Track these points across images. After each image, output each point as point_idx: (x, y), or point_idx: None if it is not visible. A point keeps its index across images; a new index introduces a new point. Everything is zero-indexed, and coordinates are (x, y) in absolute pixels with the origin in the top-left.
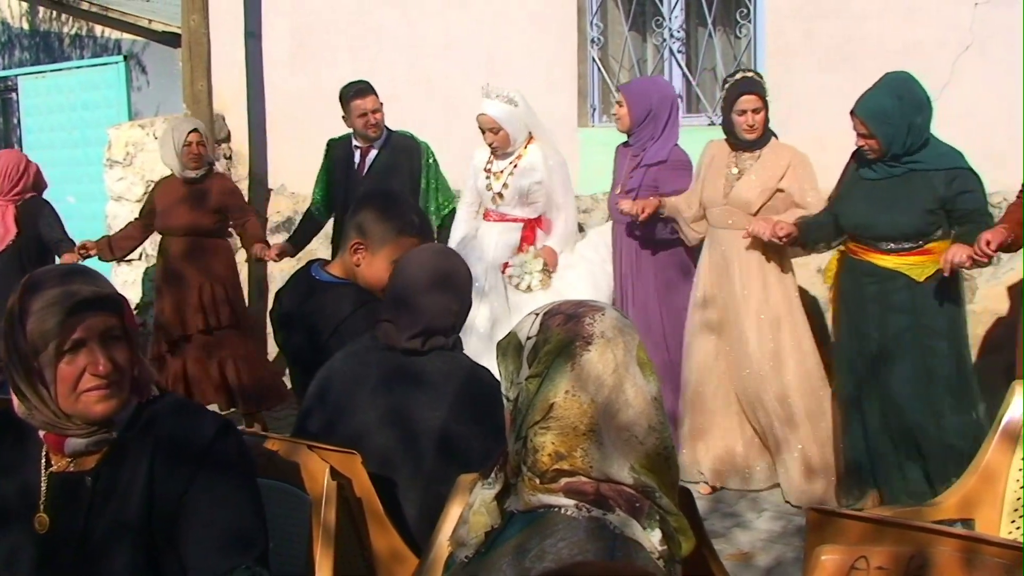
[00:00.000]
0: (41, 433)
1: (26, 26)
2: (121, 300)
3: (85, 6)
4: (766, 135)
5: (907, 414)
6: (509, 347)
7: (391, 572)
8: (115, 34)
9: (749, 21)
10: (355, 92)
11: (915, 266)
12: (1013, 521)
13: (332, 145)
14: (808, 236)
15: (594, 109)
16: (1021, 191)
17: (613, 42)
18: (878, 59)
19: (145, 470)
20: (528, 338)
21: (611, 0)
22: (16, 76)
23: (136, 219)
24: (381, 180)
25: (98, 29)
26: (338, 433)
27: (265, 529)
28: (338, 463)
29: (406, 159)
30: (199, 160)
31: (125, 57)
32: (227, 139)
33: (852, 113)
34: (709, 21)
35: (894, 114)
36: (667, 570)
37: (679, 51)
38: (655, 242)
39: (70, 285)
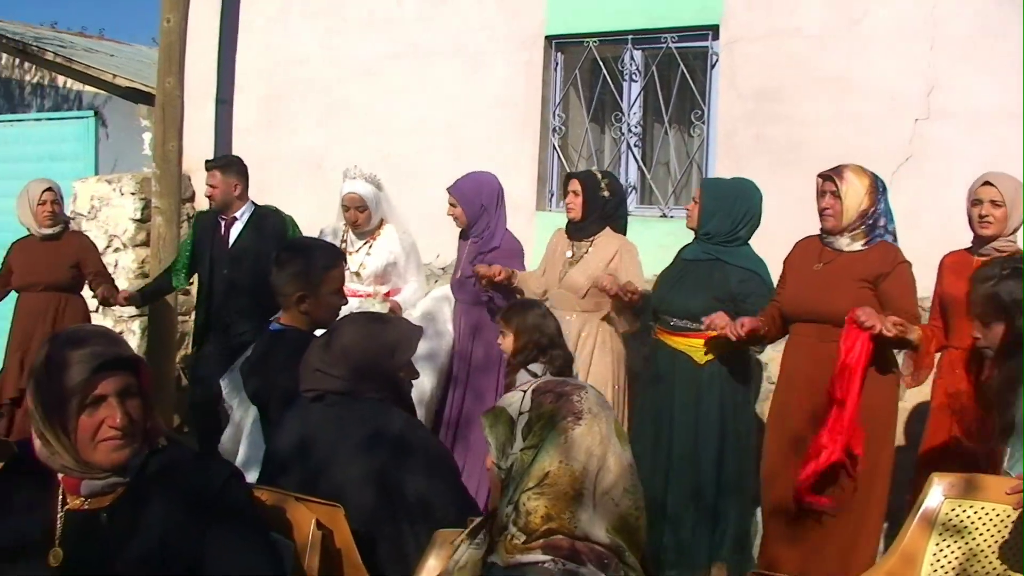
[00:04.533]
0: (59, 475)
1: None
2: (138, 361)
3: (50, 57)
4: (597, 224)
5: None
6: (499, 420)
7: None
8: (77, 86)
9: (703, 122)
10: (208, 165)
11: (695, 348)
12: None
13: (199, 216)
14: (641, 307)
15: (552, 194)
16: None
17: (573, 132)
18: (824, 163)
19: (158, 512)
20: (520, 413)
21: (573, 93)
22: None
23: None
24: (246, 249)
25: (60, 80)
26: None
27: (279, 569)
28: (322, 515)
29: (269, 230)
30: (54, 218)
31: (95, 112)
32: (191, 199)
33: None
34: (665, 119)
35: (726, 197)
36: None
37: (635, 145)
38: (492, 316)
39: (95, 347)
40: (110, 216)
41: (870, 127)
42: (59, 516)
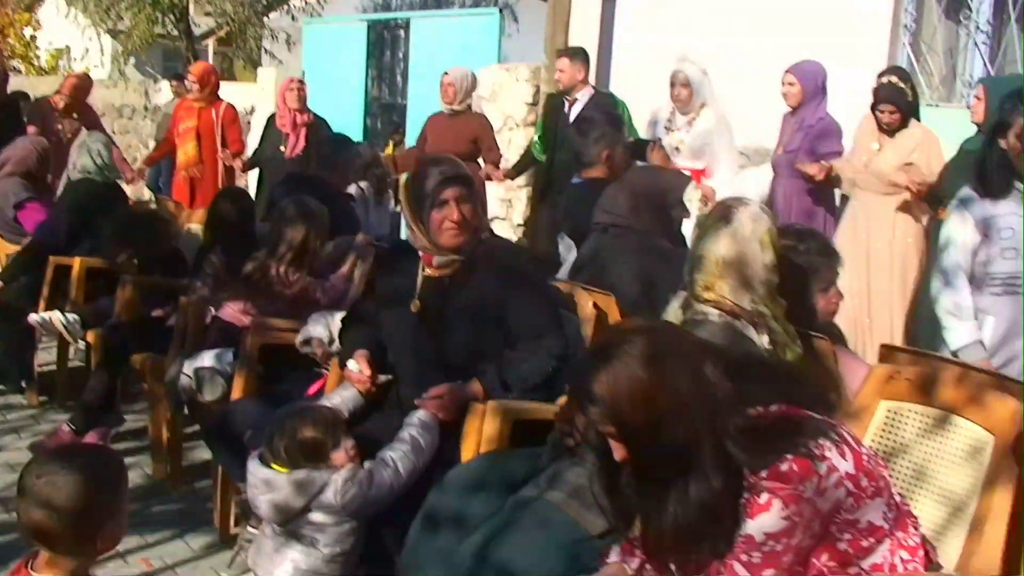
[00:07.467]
0: (420, 253)
1: None
2: (471, 177)
3: None
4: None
5: None
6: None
7: None
8: None
9: None
10: (558, 53)
11: None
12: None
13: (548, 98)
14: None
15: None
16: None
17: (925, 29)
18: None
19: (480, 280)
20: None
21: None
22: (409, 18)
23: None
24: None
25: None
26: None
27: (558, 329)
28: (598, 300)
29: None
30: (451, 98)
31: (500, 9)
32: None
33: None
34: (1013, 17)
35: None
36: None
37: (983, 43)
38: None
39: (444, 166)
40: (506, 100)
41: None
42: (419, 279)
